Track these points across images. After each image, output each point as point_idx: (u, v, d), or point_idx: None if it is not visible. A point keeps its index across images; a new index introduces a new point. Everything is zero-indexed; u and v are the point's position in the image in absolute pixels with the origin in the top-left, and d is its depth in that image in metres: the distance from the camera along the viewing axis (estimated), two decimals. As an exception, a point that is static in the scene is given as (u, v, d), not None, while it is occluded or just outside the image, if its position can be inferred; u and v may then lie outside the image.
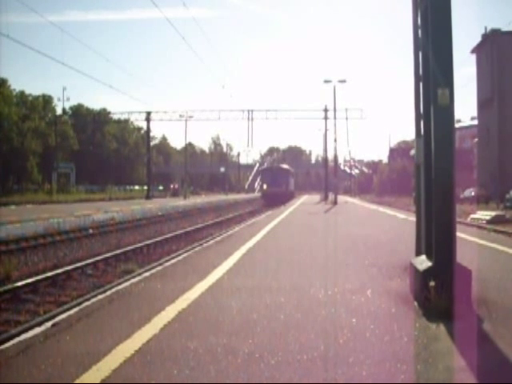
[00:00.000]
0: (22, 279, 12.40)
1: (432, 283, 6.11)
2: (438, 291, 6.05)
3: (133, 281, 9.21)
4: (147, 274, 10.10)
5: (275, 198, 54.77)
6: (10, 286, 11.34)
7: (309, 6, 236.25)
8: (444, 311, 5.94)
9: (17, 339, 5.64)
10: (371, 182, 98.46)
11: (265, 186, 62.80)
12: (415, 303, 6.65)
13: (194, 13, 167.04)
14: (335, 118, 51.20)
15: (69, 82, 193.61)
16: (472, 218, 25.13)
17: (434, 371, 4.38)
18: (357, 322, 5.87)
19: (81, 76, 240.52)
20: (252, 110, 64.82)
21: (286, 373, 4.34)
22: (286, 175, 65.60)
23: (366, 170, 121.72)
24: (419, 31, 7.47)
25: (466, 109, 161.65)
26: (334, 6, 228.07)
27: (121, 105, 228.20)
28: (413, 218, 8.82)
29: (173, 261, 11.89)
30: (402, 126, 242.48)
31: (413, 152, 8.53)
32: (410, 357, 4.74)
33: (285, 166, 73.31)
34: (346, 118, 61.49)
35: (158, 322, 5.93)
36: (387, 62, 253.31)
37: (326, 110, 57.22)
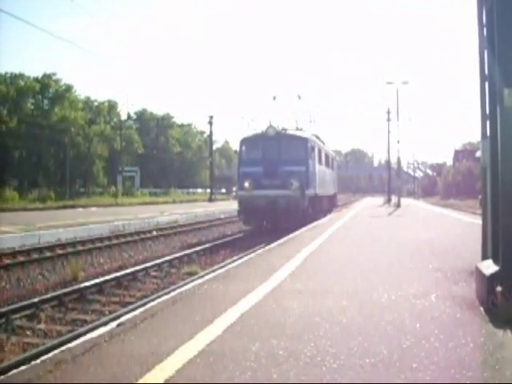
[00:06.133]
0: (88, 280, 12.73)
1: (499, 288, 5.95)
2: (505, 296, 5.89)
3: (196, 282, 9.30)
4: (210, 275, 10.18)
5: (271, 216, 24.32)
6: (76, 287, 11.64)
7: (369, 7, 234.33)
8: (511, 317, 5.78)
9: (83, 338, 5.77)
10: (435, 184, 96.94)
11: (246, 184, 24.90)
12: (481, 309, 6.50)
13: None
14: (398, 119, 50.60)
15: (132, 87, 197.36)
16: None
17: (500, 378, 4.27)
18: (421, 327, 5.78)
19: (144, 81, 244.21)
20: (314, 113, 64.09)
21: (348, 377, 4.31)
22: (303, 155, 25.89)
23: (429, 172, 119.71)
24: (484, 29, 7.30)
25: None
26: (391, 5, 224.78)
27: (184, 109, 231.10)
28: (479, 221, 8.61)
29: (235, 263, 11.95)
30: (468, 127, 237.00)
31: (478, 154, 8.35)
32: (475, 363, 4.64)
33: (299, 132, 28.91)
34: (410, 120, 60.62)
35: (220, 323, 5.97)
36: (450, 62, 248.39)
37: (388, 112, 56.39)
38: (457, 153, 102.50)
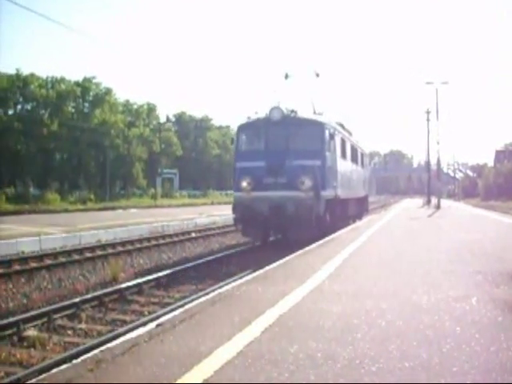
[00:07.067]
0: (128, 280, 12.88)
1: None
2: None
3: (234, 284, 9.32)
4: (248, 277, 10.19)
5: (276, 224, 19.05)
6: (116, 287, 11.79)
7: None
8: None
9: (122, 338, 5.83)
10: (476, 185, 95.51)
11: (244, 184, 18.72)
12: (524, 312, 6.39)
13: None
14: (438, 119, 50.08)
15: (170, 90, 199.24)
16: None
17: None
18: (461, 331, 5.69)
19: (181, 83, 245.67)
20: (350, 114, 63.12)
21: (387, 380, 4.27)
22: (319, 146, 19.10)
23: (470, 173, 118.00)
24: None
25: None
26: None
27: (222, 111, 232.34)
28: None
29: (274, 264, 11.93)
30: (509, 127, 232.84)
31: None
32: (518, 368, 4.56)
33: (314, 116, 21.35)
34: (450, 120, 59.76)
35: (258, 325, 5.98)
36: (491, 61, 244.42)
37: (427, 112, 55.71)
38: (498, 153, 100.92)
